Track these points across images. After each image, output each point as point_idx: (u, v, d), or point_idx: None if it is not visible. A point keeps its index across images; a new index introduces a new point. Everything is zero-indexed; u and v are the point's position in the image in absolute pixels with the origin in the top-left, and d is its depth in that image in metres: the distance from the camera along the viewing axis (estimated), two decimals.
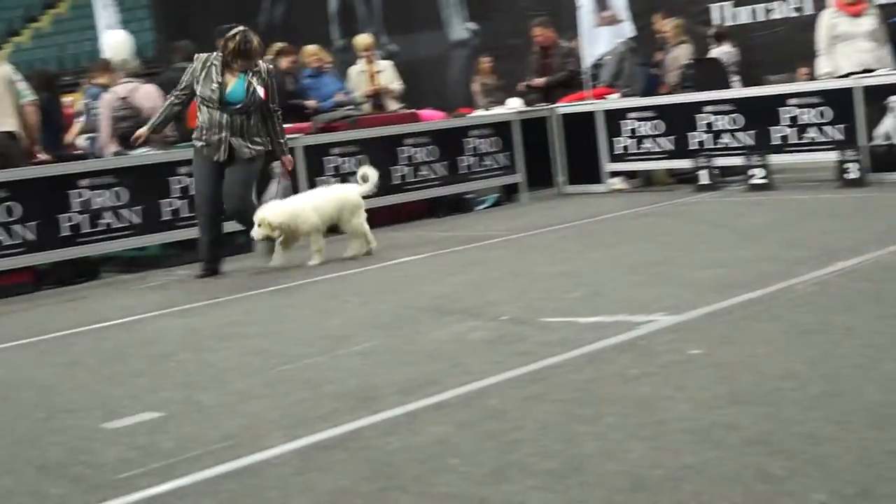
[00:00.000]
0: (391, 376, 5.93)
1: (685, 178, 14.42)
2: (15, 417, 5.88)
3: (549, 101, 15.66)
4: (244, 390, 5.95)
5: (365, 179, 10.95)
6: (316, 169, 12.69)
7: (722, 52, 16.25)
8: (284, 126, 13.21)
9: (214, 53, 10.41)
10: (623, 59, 15.80)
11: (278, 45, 15.24)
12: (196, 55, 10.67)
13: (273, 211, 10.35)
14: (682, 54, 16.18)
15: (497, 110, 15.99)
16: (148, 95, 13.07)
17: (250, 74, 10.33)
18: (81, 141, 15.54)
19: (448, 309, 7.69)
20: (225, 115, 10.25)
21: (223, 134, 10.26)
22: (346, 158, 12.99)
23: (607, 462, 4.23)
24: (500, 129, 14.73)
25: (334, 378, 6.02)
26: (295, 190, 12.04)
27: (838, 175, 12.70)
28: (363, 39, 16.24)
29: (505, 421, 4.91)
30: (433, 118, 15.08)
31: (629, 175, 15.00)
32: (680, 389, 5.14)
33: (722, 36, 16.51)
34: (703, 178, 13.70)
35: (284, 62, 14.84)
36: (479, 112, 16.56)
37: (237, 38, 10.25)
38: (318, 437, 4.97)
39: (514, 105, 15.82)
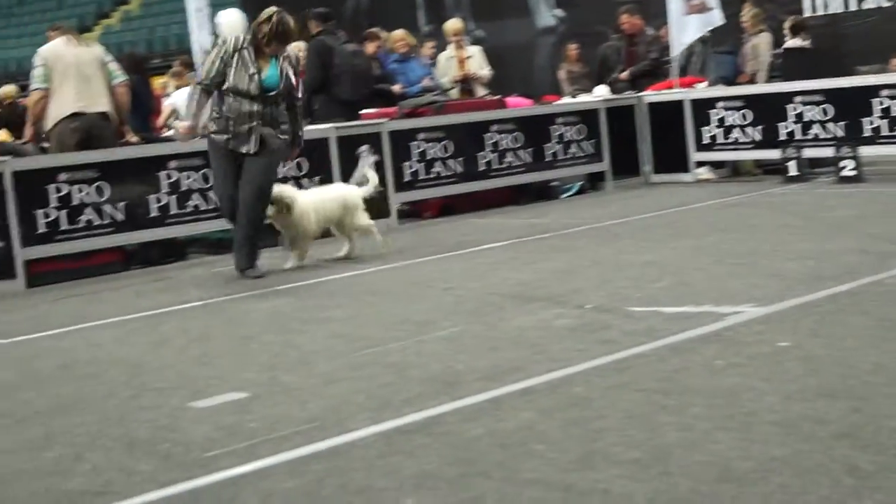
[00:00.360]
0: (475, 362, 5.93)
1: (772, 169, 14.27)
2: (104, 395, 5.95)
3: (636, 90, 15.56)
4: (328, 373, 5.98)
5: (364, 182, 10.67)
6: (402, 154, 12.71)
7: (795, 44, 16.08)
8: (371, 111, 13.32)
9: (242, 37, 9.53)
10: (691, 52, 15.65)
11: (373, 30, 15.31)
12: (220, 39, 10.02)
13: (291, 191, 10.00)
14: (760, 43, 16.00)
15: (583, 98, 15.92)
16: None
17: (280, 59, 9.53)
18: (174, 122, 15.71)
19: (532, 296, 7.68)
20: (256, 105, 9.41)
21: (253, 123, 9.38)
22: (431, 144, 13.00)
23: (693, 453, 4.20)
24: (587, 116, 14.66)
25: (418, 363, 6.04)
26: (382, 177, 12.09)
27: None
28: (453, 24, 16.22)
29: (590, 409, 4.90)
30: (519, 105, 15.05)
31: (716, 165, 14.88)
32: (767, 381, 5.10)
33: (798, 28, 16.30)
34: (792, 169, 13.55)
35: (370, 47, 14.90)
36: (566, 99, 16.50)
37: (273, 19, 9.37)
38: (403, 420, 4.98)
39: (601, 93, 15.74)
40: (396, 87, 14.88)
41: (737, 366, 5.42)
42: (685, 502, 3.73)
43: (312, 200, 10.14)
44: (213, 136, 9.55)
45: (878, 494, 3.68)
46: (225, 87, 9.42)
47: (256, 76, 9.40)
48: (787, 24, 16.40)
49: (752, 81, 15.59)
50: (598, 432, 4.56)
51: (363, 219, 10.46)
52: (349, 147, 12.26)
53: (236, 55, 9.41)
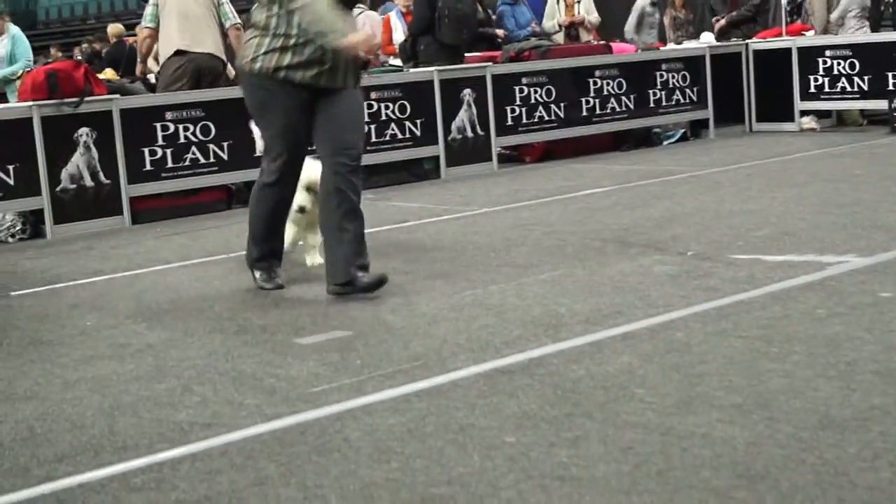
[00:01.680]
0: (576, 306, 5.97)
1: (878, 120, 14.09)
2: (210, 330, 6.07)
3: (743, 37, 15.42)
4: (430, 313, 6.05)
5: None
6: (504, 98, 12.72)
7: None
8: (475, 55, 13.32)
9: None
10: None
11: None
12: None
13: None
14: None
15: (689, 44, 15.78)
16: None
17: None
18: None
19: (633, 242, 7.69)
20: (347, 17, 6.68)
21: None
22: (535, 88, 12.99)
23: (794, 399, 4.22)
24: (691, 63, 14.55)
25: (519, 305, 6.09)
26: (484, 120, 12.13)
27: None
28: None
29: (690, 354, 4.92)
30: (624, 51, 14.97)
31: (820, 114, 14.71)
32: (869, 331, 5.08)
33: None
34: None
35: None
36: (670, 46, 16.37)
37: None
38: (504, 361, 5.04)
39: (706, 40, 15.60)
40: (500, 32, 14.87)
41: (839, 315, 5.41)
42: (785, 447, 3.75)
43: None
44: (287, 72, 6.54)
45: None
46: None
47: None
48: None
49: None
50: (698, 377, 4.59)
51: None
52: (452, 90, 12.29)
53: None
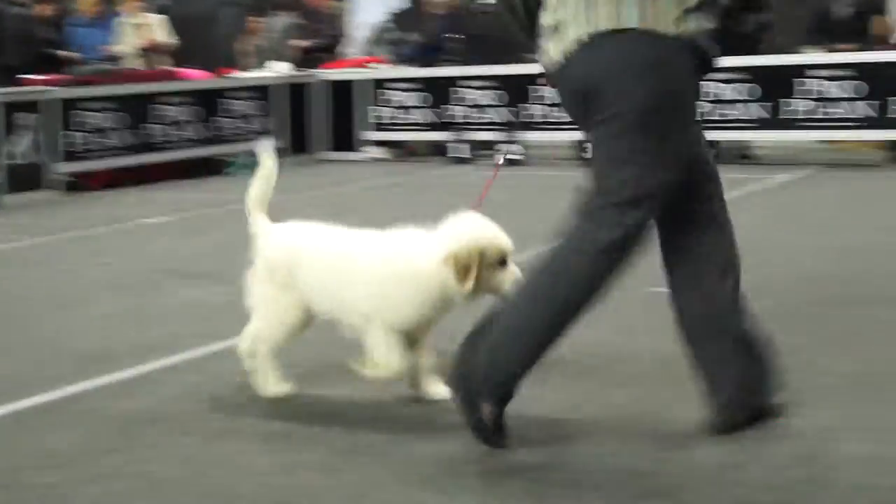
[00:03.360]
0: (128, 338, 5.90)
1: (443, 150, 14.62)
2: None
3: (313, 66, 15.58)
4: None
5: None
6: (67, 123, 12.35)
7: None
8: (34, 77, 12.84)
9: None
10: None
11: None
12: None
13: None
14: None
15: (259, 73, 15.77)
16: None
17: None
18: None
19: (188, 272, 7.65)
20: None
21: None
22: (99, 113, 12.71)
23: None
24: (261, 91, 14.61)
25: (69, 340, 5.95)
26: (46, 146, 11.79)
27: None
28: None
29: (230, 388, 4.94)
30: (196, 77, 14.77)
31: (390, 145, 15.06)
32: None
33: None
34: (457, 150, 13.93)
35: (46, 9, 14.28)
36: (247, 73, 16.24)
37: None
38: (43, 398, 4.92)
39: (280, 69, 15.59)
40: (64, 53, 14.36)
41: None
42: None
43: None
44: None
45: None
46: None
47: None
48: None
49: None
50: (239, 408, 4.66)
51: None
52: (11, 114, 11.82)
53: None
